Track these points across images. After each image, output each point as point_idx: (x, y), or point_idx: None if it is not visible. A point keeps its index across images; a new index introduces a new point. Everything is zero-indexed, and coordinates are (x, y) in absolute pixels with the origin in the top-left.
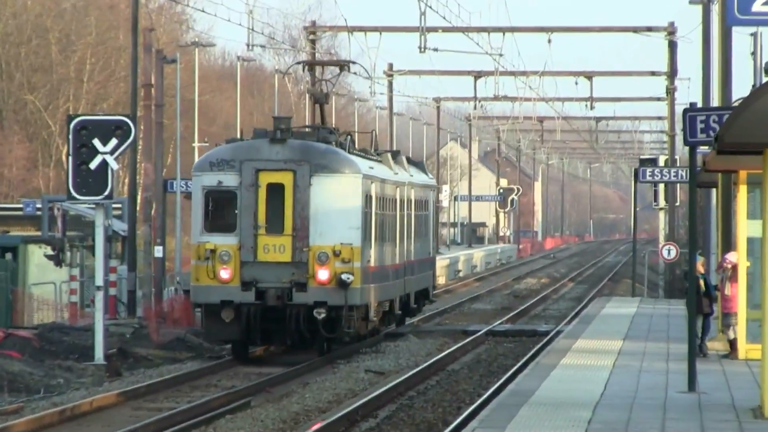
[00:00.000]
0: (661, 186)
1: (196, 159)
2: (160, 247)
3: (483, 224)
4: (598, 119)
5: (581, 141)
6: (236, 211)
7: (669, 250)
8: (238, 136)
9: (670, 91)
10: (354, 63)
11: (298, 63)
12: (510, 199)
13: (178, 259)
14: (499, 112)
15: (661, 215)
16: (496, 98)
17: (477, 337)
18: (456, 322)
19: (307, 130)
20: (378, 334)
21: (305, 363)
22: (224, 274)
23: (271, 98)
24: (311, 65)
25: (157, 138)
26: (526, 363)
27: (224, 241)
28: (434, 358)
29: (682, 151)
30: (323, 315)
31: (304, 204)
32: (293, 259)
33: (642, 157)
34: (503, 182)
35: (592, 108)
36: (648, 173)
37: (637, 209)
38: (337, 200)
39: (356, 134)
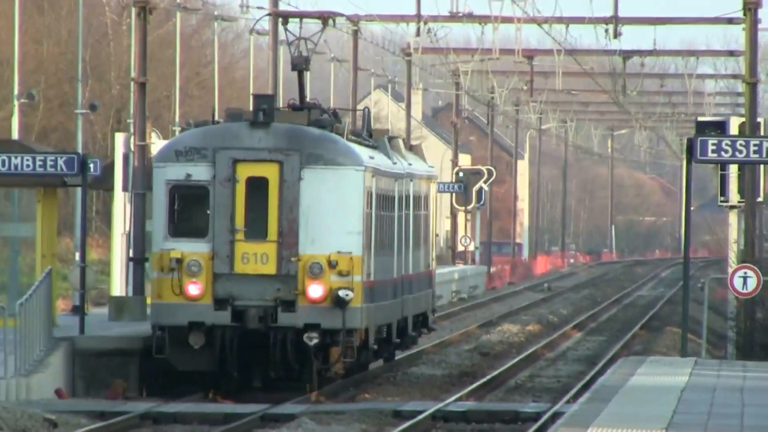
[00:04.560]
0: (733, 170)
1: None
2: None
3: None
4: (626, 55)
5: (598, 92)
6: (208, 212)
7: (746, 278)
8: (185, 123)
9: (750, 6)
10: (341, 15)
11: (268, 15)
12: (476, 189)
13: None
14: (459, 41)
15: (733, 219)
16: (453, 17)
17: (418, 423)
18: (383, 396)
19: (287, 109)
20: (366, 369)
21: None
22: (193, 289)
23: (72, 16)
24: (285, 17)
25: None
26: None
27: (193, 249)
28: None
29: None
30: (316, 340)
31: (293, 203)
32: (279, 272)
33: (701, 119)
34: (465, 160)
35: (616, 35)
36: (711, 147)
37: (692, 208)
38: (333, 199)
39: (351, 113)
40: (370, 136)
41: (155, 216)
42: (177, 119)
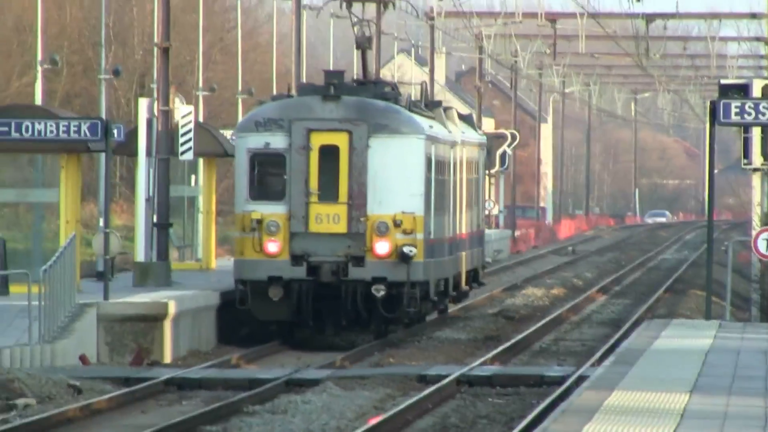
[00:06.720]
0: (756, 132)
1: None
2: None
3: None
4: (649, 18)
5: (621, 55)
6: (285, 177)
7: None
8: (287, 92)
9: None
10: None
11: None
12: (500, 153)
13: None
14: (482, 4)
15: (756, 182)
16: None
17: (442, 387)
18: (408, 360)
19: (354, 84)
20: (423, 321)
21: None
22: (272, 246)
23: None
24: (349, 1)
25: None
26: None
27: (272, 210)
28: (370, 424)
29: None
30: (382, 292)
31: (362, 168)
32: (349, 230)
33: (724, 81)
34: (488, 124)
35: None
36: (734, 110)
37: (716, 171)
38: (397, 164)
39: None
40: (427, 107)
41: (237, 181)
42: (200, 84)
